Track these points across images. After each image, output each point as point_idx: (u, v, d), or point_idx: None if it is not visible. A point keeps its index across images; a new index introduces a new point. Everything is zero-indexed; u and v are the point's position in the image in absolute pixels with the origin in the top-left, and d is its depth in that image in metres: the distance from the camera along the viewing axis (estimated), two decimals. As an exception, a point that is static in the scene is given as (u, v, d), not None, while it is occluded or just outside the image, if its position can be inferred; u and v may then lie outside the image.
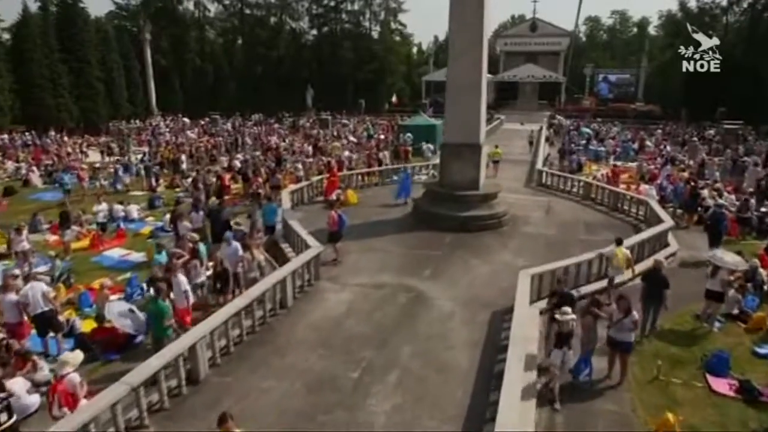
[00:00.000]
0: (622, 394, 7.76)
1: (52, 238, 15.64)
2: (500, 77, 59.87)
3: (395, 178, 22.23)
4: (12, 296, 8.67)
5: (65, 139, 36.19)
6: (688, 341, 9.26)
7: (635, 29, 74.80)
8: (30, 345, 8.74)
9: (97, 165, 23.94)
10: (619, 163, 26.84)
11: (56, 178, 22.59)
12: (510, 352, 7.46)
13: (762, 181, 19.47)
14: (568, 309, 7.19)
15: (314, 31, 65.76)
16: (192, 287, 10.20)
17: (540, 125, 39.38)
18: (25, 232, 13.74)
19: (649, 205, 16.02)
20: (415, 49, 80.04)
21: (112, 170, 24.38)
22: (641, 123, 46.75)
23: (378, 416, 7.15)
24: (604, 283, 11.20)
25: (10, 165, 27.22)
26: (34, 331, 9.04)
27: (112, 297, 10.87)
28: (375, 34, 65.46)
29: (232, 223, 12.31)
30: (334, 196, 18.11)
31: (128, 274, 12.45)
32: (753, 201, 16.33)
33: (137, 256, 14.07)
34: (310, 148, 29.17)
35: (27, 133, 37.35)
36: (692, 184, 17.74)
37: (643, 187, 19.56)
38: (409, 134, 31.07)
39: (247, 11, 63.81)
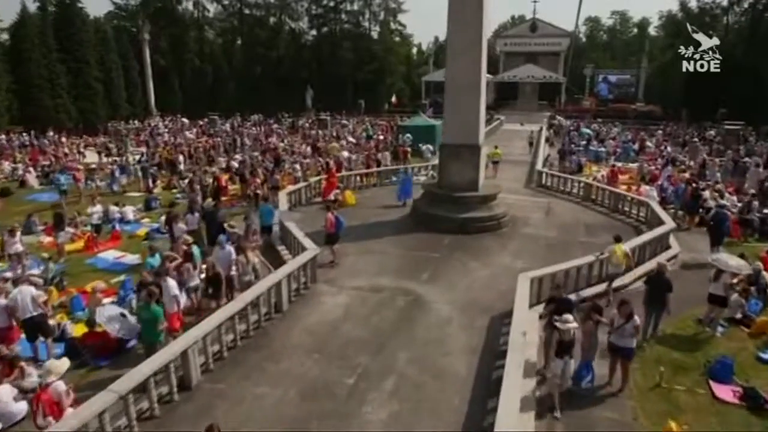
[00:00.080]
0: (624, 402, 7.58)
1: (47, 239, 15.46)
2: (500, 77, 59.69)
3: (394, 179, 22.10)
4: (0, 300, 8.49)
5: (63, 140, 35.96)
6: (691, 346, 9.08)
7: (635, 30, 74.63)
8: (19, 350, 8.57)
9: (93, 166, 23.72)
10: (619, 164, 26.66)
11: (53, 179, 22.41)
12: (509, 358, 7.28)
13: (764, 182, 19.29)
14: (569, 317, 6.98)
15: (314, 32, 65.55)
16: (186, 290, 10.09)
17: (540, 126, 39.21)
18: (18, 233, 13.56)
19: (650, 207, 15.86)
20: (414, 50, 79.88)
21: (108, 171, 24.18)
22: (641, 123, 46.56)
23: (373, 424, 6.98)
24: (604, 285, 11.04)
25: (6, 166, 27.01)
26: (23, 336, 8.85)
27: (105, 300, 10.68)
28: (374, 35, 65.25)
29: (225, 225, 12.09)
30: (332, 196, 17.95)
31: (122, 277, 12.29)
32: (756, 203, 16.12)
33: (132, 258, 13.90)
34: (309, 149, 28.99)
35: (25, 134, 37.14)
36: (693, 185, 17.57)
37: (644, 188, 19.40)
38: (408, 135, 30.91)
39: (247, 11, 63.53)
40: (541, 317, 8.91)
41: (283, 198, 17.08)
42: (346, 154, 26.84)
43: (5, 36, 43.99)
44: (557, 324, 6.88)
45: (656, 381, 7.88)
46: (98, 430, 6.24)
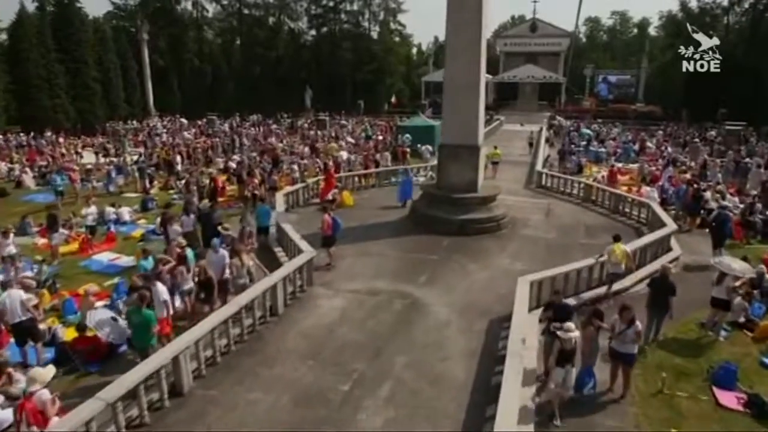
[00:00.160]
0: (625, 408, 7.41)
1: (41, 241, 15.26)
2: (500, 78, 59.49)
3: (393, 180, 21.94)
4: (-11, 304, 8.33)
5: (60, 140, 35.79)
6: (694, 351, 8.90)
7: (635, 30, 74.43)
8: (8, 355, 8.39)
9: (89, 166, 23.52)
10: (619, 165, 26.48)
11: (49, 180, 22.24)
12: (507, 364, 7.11)
13: (767, 183, 19.11)
14: (571, 325, 6.78)
15: (313, 32, 65.36)
16: (180, 294, 9.92)
17: (540, 126, 39.05)
18: (11, 235, 13.35)
19: (651, 208, 15.69)
20: (414, 50, 79.73)
21: (105, 172, 24.00)
22: (642, 124, 46.40)
23: (368, 432, 6.81)
24: (605, 289, 10.88)
25: (3, 166, 26.79)
26: (12, 341, 8.68)
27: (98, 303, 10.50)
28: (374, 35, 65.07)
29: (219, 228, 11.90)
30: (330, 196, 17.79)
31: (116, 279, 12.11)
32: (759, 205, 15.93)
33: (126, 260, 13.69)
34: (307, 149, 28.81)
35: (22, 134, 36.97)
36: (695, 186, 17.41)
37: (645, 189, 19.21)
38: (407, 135, 30.76)
39: (246, 11, 63.37)
40: (540, 321, 8.72)
41: (280, 199, 16.91)
42: (344, 154, 26.66)
43: (4, 36, 43.88)
44: (559, 333, 6.69)
45: (658, 387, 7.71)
46: (85, 438, 6.08)
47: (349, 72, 60.66)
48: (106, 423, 6.42)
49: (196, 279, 9.48)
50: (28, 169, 25.35)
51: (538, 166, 24.08)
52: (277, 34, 63.21)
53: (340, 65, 60.23)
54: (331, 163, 22.41)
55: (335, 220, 12.63)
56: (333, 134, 38.14)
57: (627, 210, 17.22)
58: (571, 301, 9.88)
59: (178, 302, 10.01)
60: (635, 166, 26.16)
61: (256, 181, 19.33)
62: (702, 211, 16.00)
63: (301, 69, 60.30)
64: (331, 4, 62.83)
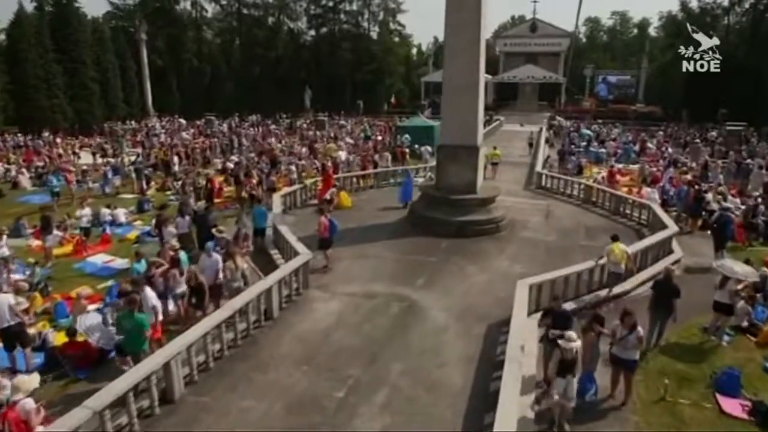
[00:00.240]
0: (627, 416, 7.23)
1: (35, 243, 15.09)
2: (500, 78, 59.36)
3: (391, 181, 21.76)
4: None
5: (57, 140, 35.62)
6: (696, 356, 8.72)
7: (635, 30, 74.28)
8: (-3, 360, 8.23)
9: (84, 167, 23.31)
10: (620, 165, 26.32)
11: (45, 181, 22.07)
12: (506, 370, 6.94)
13: (769, 184, 18.95)
14: (573, 335, 6.57)
15: (312, 32, 65.22)
16: (173, 297, 9.75)
17: (540, 126, 38.90)
18: (5, 237, 13.20)
19: (652, 209, 15.51)
20: (414, 50, 79.60)
21: (102, 172, 23.82)
22: (642, 124, 46.24)
23: (363, 441, 6.64)
24: (605, 292, 10.72)
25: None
26: (1, 345, 8.51)
27: (90, 307, 10.36)
28: (374, 35, 64.92)
29: (214, 231, 11.71)
30: (328, 196, 17.63)
31: (110, 282, 11.94)
32: (762, 207, 15.73)
33: (121, 263, 13.52)
34: (304, 150, 28.63)
35: (19, 134, 36.80)
36: (696, 187, 17.24)
37: (645, 190, 18.99)
38: (406, 136, 30.61)
39: (245, 11, 63.19)
40: (539, 326, 8.54)
41: (277, 200, 16.73)
42: (342, 154, 26.49)
43: (2, 36, 43.73)
44: (560, 342, 6.48)
45: (660, 394, 7.53)
46: (71, 448, 5.91)
47: (349, 72, 60.50)
48: (93, 432, 6.26)
49: (188, 284, 9.28)
50: (24, 170, 25.21)
51: (538, 167, 23.89)
52: (276, 34, 63.02)
53: (339, 65, 60.06)
54: (329, 163, 22.27)
55: (332, 222, 12.46)
56: (332, 135, 38.00)
57: (628, 211, 17.04)
58: (571, 305, 9.74)
59: (171, 306, 9.86)
60: (636, 166, 25.99)
61: (254, 181, 19.19)
62: (704, 213, 15.83)
63: (300, 69, 60.16)
64: (331, 4, 62.69)
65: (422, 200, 16.37)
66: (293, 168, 22.69)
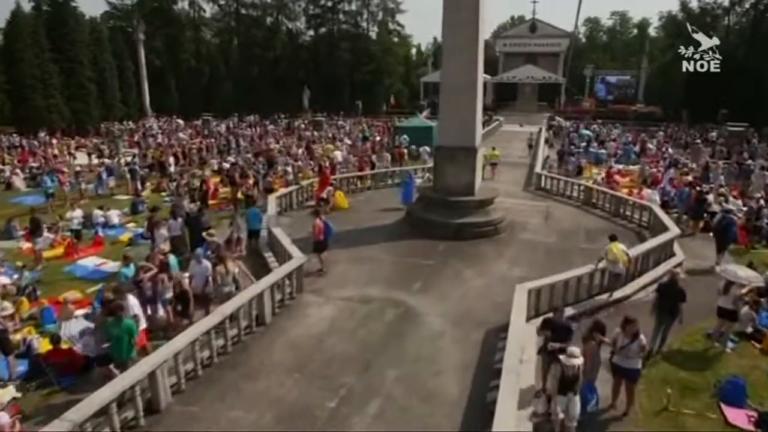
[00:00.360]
0: (629, 427, 6.98)
1: (26, 245, 14.81)
2: (499, 78, 59.15)
3: (389, 182, 21.51)
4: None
5: (53, 141, 35.35)
6: (700, 364, 8.46)
7: (635, 30, 74.06)
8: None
9: (78, 168, 23.05)
10: (620, 166, 26.09)
11: (40, 182, 21.80)
12: (503, 380, 6.69)
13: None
14: (576, 350, 6.27)
15: (311, 32, 65.05)
16: (161, 303, 9.50)
17: (539, 127, 38.65)
18: (-6, 239, 12.98)
19: (653, 211, 15.26)
20: (414, 50, 79.34)
21: (96, 173, 23.54)
22: (642, 125, 46.01)
23: (354, 454, 6.39)
24: (605, 296, 10.48)
25: (-6, 167, 26.39)
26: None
27: (78, 312, 10.11)
28: (373, 35, 64.68)
29: (204, 234, 11.44)
30: (324, 195, 17.37)
31: (100, 286, 11.66)
32: (766, 209, 15.48)
33: (113, 266, 13.17)
34: (301, 151, 28.37)
35: (15, 135, 36.52)
36: (697, 188, 16.98)
37: (646, 191, 18.78)
38: (405, 136, 30.37)
39: (243, 11, 62.96)
40: (538, 334, 8.27)
41: (272, 202, 16.47)
42: (339, 154, 26.23)
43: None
44: (561, 358, 6.17)
45: (663, 404, 7.28)
46: (49, 463, 5.66)
47: (348, 72, 60.25)
48: (73, 445, 6.00)
49: (172, 292, 9.01)
50: (18, 171, 24.93)
51: (538, 168, 23.65)
52: (275, 34, 62.79)
53: (338, 66, 59.81)
54: (327, 163, 22.01)
55: (327, 224, 12.20)
56: (330, 135, 37.76)
57: (628, 213, 16.80)
58: (571, 311, 9.49)
59: (161, 311, 9.62)
60: (636, 167, 25.75)
61: (251, 182, 18.94)
62: (705, 215, 15.58)
63: (299, 69, 59.94)
64: (330, 4, 62.48)
65: (420, 202, 16.13)
66: (289, 169, 22.43)
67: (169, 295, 9.28)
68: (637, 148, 31.37)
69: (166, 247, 11.29)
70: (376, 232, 15.12)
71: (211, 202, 18.52)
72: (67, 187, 20.48)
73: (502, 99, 59.50)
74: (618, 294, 10.55)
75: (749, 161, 24.40)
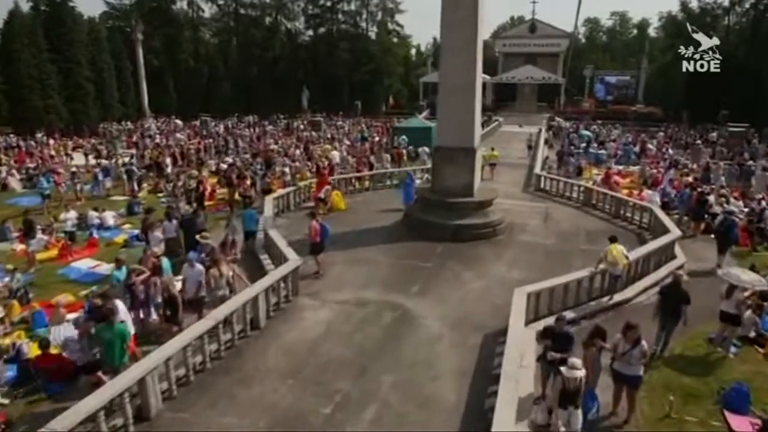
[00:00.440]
0: (630, 435, 6.83)
1: (20, 247, 14.65)
2: (499, 78, 59.04)
3: (388, 182, 21.35)
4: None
5: (50, 141, 35.17)
6: (702, 369, 8.31)
7: (635, 31, 73.93)
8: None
9: (73, 169, 22.85)
10: (620, 167, 25.94)
11: (36, 183, 21.62)
12: (502, 387, 6.52)
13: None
14: (578, 362, 6.08)
15: (310, 32, 64.86)
16: (154, 307, 9.34)
17: (539, 127, 38.52)
18: (-13, 241, 12.81)
19: (653, 213, 15.11)
20: (413, 51, 79.19)
21: (92, 174, 23.35)
22: (642, 125, 45.87)
23: (349, 463, 6.23)
24: (606, 299, 10.33)
25: (-11, 168, 26.19)
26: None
27: (70, 316, 9.93)
28: (372, 35, 64.48)
29: (198, 237, 11.27)
30: (322, 194, 17.21)
31: (94, 288, 11.51)
32: (768, 211, 15.34)
33: (107, 268, 12.96)
34: (298, 152, 28.19)
35: (12, 135, 36.33)
36: (698, 189, 16.83)
37: (646, 192, 18.63)
38: (403, 137, 30.22)
39: (242, 11, 62.78)
40: (537, 342, 8.09)
41: (269, 203, 16.31)
42: (336, 154, 26.06)
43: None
44: (562, 370, 5.98)
45: (665, 411, 7.12)
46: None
47: (347, 73, 60.08)
48: (59, 454, 5.84)
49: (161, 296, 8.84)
50: (15, 171, 24.74)
51: (537, 169, 23.50)
52: (273, 34, 62.59)
53: (337, 66, 59.64)
54: (326, 164, 21.84)
55: (323, 226, 12.04)
56: (329, 136, 37.59)
57: (628, 214, 16.65)
58: (570, 314, 9.32)
59: (153, 315, 9.46)
60: (636, 168, 25.60)
61: (248, 182, 18.77)
62: (706, 216, 15.43)
63: (297, 69, 59.74)
64: (329, 4, 62.30)
65: (418, 203, 15.97)
66: (287, 170, 22.27)
67: (161, 299, 9.11)
68: (637, 149, 31.22)
69: (159, 249, 11.10)
70: (373, 234, 14.96)
71: (208, 203, 18.33)
72: (62, 188, 20.27)
73: (501, 99, 59.36)
74: (618, 297, 10.40)
75: (750, 162, 24.25)
